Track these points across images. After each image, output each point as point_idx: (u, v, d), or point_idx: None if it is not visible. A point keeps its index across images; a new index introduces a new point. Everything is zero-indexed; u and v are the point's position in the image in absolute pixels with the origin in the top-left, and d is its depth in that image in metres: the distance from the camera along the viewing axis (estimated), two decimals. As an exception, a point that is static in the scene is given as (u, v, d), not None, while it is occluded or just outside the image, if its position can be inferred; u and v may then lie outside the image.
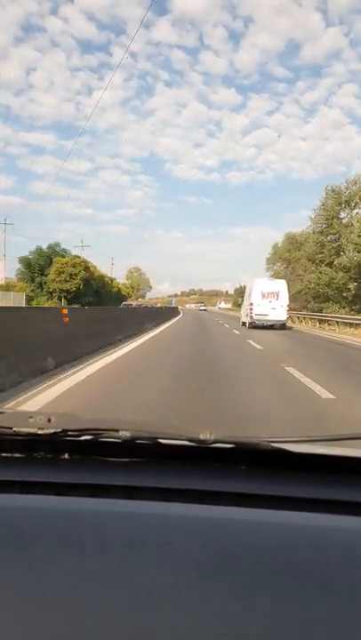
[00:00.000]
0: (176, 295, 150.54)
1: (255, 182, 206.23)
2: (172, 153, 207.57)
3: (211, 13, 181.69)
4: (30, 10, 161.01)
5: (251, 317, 20.97)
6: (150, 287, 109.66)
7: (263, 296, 21.08)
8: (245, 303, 23.02)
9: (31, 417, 0.88)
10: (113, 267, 77.09)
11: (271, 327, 20.99)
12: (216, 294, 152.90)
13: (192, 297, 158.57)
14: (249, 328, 20.67)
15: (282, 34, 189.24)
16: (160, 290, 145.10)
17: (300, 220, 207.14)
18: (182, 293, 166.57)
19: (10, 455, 0.85)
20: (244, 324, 22.81)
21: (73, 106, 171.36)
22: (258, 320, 20.81)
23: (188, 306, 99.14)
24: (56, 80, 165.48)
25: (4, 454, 0.85)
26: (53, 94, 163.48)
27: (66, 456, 0.85)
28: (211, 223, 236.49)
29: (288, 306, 21.65)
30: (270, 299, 21.09)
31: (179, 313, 42.98)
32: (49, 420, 0.84)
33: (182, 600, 0.55)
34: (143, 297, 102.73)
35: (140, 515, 0.71)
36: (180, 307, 76.38)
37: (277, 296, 21.18)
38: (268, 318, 20.84)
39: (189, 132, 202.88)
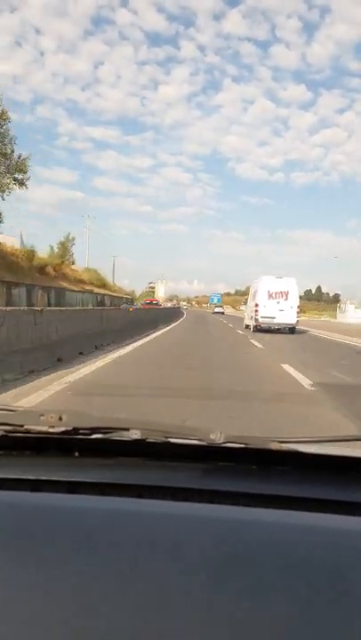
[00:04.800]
0: (229, 294, 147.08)
1: (320, 184, 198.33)
2: (235, 151, 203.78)
3: (285, 3, 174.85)
4: (101, 2, 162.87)
5: (256, 320, 18.44)
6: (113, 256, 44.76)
7: (270, 296, 18.43)
8: (250, 304, 20.40)
9: (42, 415, 0.87)
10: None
11: (278, 331, 18.41)
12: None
13: (246, 297, 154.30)
14: (253, 332, 18.23)
15: (360, 24, 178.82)
16: (216, 289, 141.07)
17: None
18: (236, 292, 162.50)
19: (21, 453, 0.87)
20: (247, 326, 20.30)
21: (138, 100, 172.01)
22: (264, 323, 18.28)
23: (243, 308, 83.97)
24: (123, 74, 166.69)
25: (15, 452, 0.87)
26: (119, 88, 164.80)
27: (76, 454, 0.86)
28: (271, 225, 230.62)
29: (299, 307, 18.90)
30: (278, 299, 18.41)
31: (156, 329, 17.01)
32: (60, 419, 0.84)
33: (192, 600, 0.56)
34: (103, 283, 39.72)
35: (150, 514, 0.72)
36: (218, 309, 67.98)
37: (286, 296, 18.48)
38: (275, 321, 18.24)
39: (255, 130, 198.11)
